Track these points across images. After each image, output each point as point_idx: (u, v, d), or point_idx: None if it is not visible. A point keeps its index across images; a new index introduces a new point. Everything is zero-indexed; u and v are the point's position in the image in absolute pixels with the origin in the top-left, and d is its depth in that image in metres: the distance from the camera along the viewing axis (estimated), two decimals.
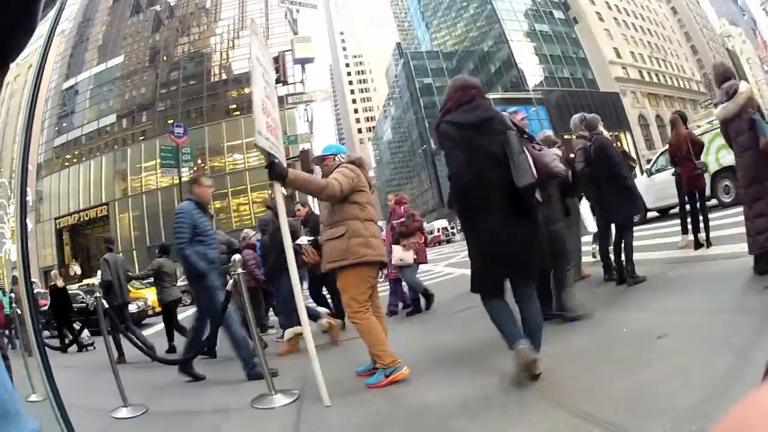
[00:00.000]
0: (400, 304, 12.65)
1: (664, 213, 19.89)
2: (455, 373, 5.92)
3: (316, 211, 10.99)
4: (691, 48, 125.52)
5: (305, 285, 11.52)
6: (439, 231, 79.80)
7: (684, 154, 10.41)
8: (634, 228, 9.43)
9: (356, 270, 6.16)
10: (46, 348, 4.57)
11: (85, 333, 13.04)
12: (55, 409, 3.95)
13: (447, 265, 23.18)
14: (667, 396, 3.86)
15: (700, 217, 10.35)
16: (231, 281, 6.80)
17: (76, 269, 54.00)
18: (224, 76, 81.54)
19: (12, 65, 1.36)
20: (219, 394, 7.55)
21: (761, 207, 6.82)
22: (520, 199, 4.94)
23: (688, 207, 10.95)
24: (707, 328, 5.37)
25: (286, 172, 5.95)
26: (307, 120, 17.34)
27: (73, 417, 4.25)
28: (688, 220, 10.93)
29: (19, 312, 9.93)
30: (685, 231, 11.17)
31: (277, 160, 6.01)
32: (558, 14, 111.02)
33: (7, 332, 13.13)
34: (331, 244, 6.27)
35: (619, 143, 11.23)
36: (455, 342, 7.80)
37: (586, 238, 11.57)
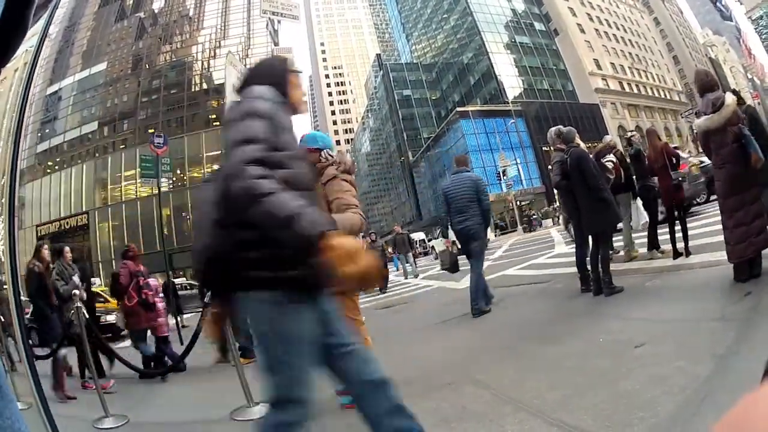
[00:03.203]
0: None
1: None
2: (432, 383, 5.93)
3: None
4: (673, 58, 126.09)
5: None
6: (417, 244, 79.82)
7: (661, 166, 10.45)
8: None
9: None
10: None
11: None
12: (43, 416, 3.93)
13: (425, 278, 23.19)
14: (645, 404, 3.87)
15: (677, 227, 10.39)
16: (208, 293, 6.77)
17: None
18: (205, 86, 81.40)
19: None
20: (199, 405, 7.55)
21: (740, 217, 6.87)
22: None
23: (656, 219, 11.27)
24: (686, 337, 5.39)
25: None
26: None
27: (56, 425, 4.25)
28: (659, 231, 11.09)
29: (2, 319, 9.83)
30: (651, 248, 11.25)
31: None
32: (539, 26, 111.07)
33: None
34: None
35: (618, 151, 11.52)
36: (433, 353, 7.84)
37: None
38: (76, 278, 9.94)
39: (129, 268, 10.91)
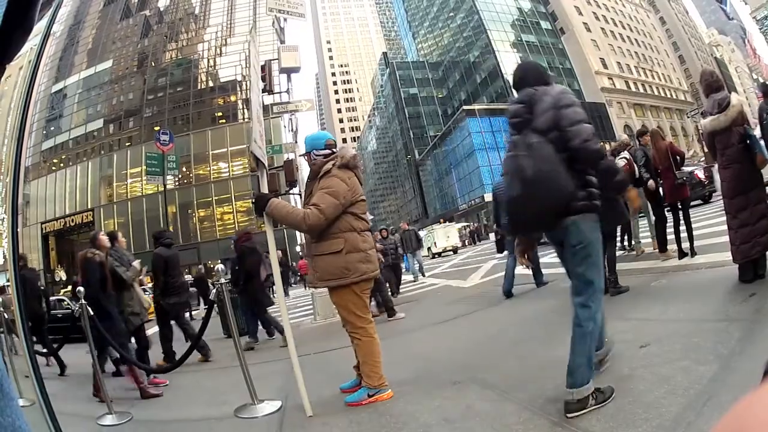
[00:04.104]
0: None
1: None
2: (436, 382, 5.91)
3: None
4: (678, 58, 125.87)
5: None
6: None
7: (665, 166, 10.44)
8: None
9: (354, 286, 5.75)
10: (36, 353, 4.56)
11: None
12: (45, 414, 3.93)
13: (430, 276, 23.15)
14: (650, 405, 3.87)
15: (682, 227, 10.40)
16: (214, 290, 6.77)
17: (61, 275, 53.76)
18: (211, 84, 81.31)
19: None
20: (203, 403, 7.55)
21: (745, 217, 6.88)
22: None
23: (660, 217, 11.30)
24: (690, 337, 5.36)
25: (267, 202, 5.74)
26: (292, 130, 17.26)
27: (59, 423, 4.24)
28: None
29: (6, 316, 9.68)
30: (662, 249, 11.20)
31: (264, 168, 6.00)
32: (545, 25, 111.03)
33: None
34: (324, 260, 5.73)
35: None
36: (439, 352, 7.83)
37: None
38: (136, 263, 9.75)
39: None
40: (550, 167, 4.25)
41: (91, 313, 7.53)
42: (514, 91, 5.05)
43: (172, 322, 11.13)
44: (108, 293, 8.60)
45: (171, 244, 11.80)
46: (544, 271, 12.27)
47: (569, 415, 4.06)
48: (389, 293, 13.30)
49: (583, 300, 4.40)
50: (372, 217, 12.72)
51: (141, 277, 10.19)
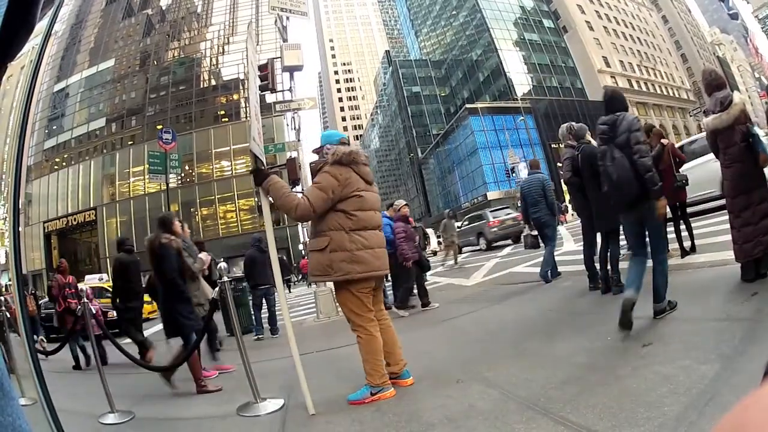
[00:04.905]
0: None
1: None
2: (439, 381, 5.93)
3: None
4: (681, 56, 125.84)
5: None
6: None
7: (666, 166, 10.43)
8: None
9: (349, 286, 5.83)
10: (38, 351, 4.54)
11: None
12: (47, 413, 3.92)
13: (432, 275, 23.09)
14: (652, 404, 3.87)
15: (682, 226, 10.43)
16: (217, 289, 6.75)
17: None
18: (213, 82, 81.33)
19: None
20: (205, 401, 7.54)
21: (748, 216, 6.86)
22: None
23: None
24: (692, 336, 5.37)
25: (266, 177, 5.88)
26: (295, 128, 17.28)
27: (60, 421, 4.23)
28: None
29: (8, 315, 9.65)
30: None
31: (262, 167, 6.05)
32: (547, 23, 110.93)
33: None
34: (313, 257, 5.93)
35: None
36: (439, 350, 7.87)
37: None
38: (203, 255, 9.80)
39: (58, 281, 12.77)
40: (626, 174, 6.39)
41: (92, 310, 7.55)
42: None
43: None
44: (185, 281, 8.40)
45: (131, 250, 12.31)
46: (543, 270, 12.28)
47: (658, 317, 6.51)
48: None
49: (662, 251, 6.78)
50: (406, 203, 12.22)
51: (204, 269, 10.11)
